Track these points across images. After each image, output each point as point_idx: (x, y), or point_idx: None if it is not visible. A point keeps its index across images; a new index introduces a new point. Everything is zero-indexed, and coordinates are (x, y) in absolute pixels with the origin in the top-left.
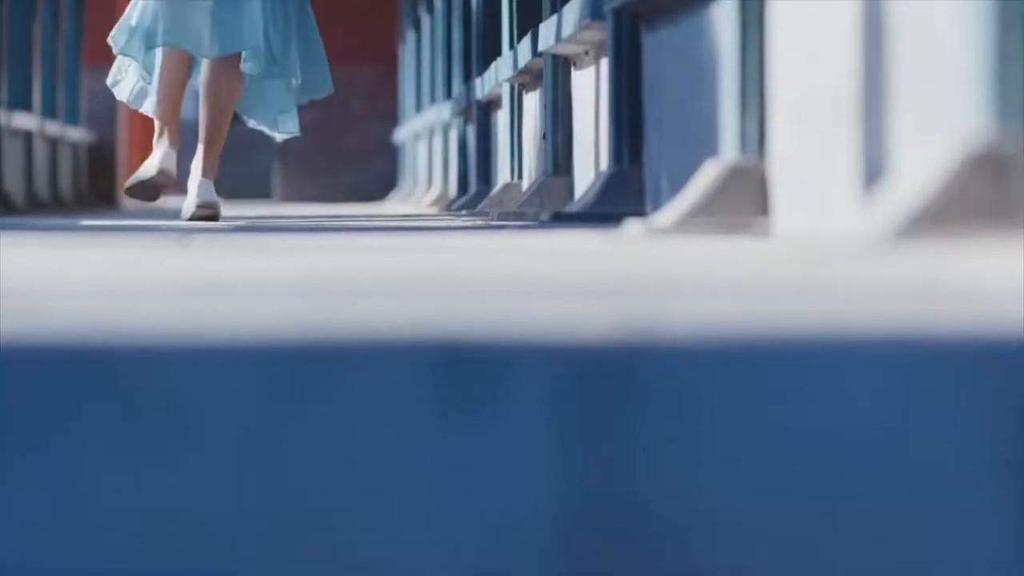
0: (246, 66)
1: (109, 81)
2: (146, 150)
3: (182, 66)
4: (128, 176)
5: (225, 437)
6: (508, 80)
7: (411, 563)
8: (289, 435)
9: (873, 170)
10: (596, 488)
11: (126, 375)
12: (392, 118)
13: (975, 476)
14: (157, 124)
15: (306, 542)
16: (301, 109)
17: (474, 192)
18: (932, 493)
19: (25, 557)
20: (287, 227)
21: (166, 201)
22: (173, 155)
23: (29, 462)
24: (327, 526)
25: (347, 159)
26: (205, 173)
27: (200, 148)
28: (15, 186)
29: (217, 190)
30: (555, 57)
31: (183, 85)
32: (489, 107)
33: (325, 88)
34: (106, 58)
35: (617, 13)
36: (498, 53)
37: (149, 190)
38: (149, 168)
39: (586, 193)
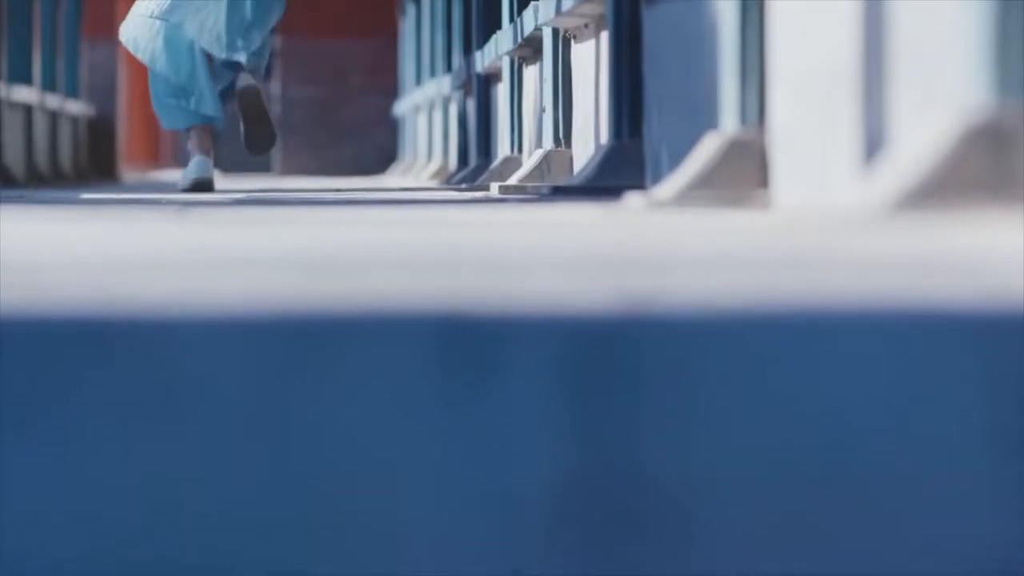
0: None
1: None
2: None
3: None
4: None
5: (225, 408)
6: (508, 53)
7: (412, 533)
8: (290, 406)
9: (873, 142)
10: (597, 458)
11: (126, 347)
12: (392, 91)
13: (974, 447)
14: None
15: (307, 512)
16: (301, 81)
17: (474, 165)
18: (931, 463)
19: (26, 529)
20: (287, 200)
21: (166, 175)
22: (206, 162)
23: (29, 434)
24: (328, 497)
25: (347, 132)
26: (202, 151)
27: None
28: (15, 159)
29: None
30: (555, 30)
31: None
32: (489, 80)
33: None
34: (106, 31)
35: None
36: (498, 26)
37: (202, 186)
38: (187, 178)
39: (586, 166)
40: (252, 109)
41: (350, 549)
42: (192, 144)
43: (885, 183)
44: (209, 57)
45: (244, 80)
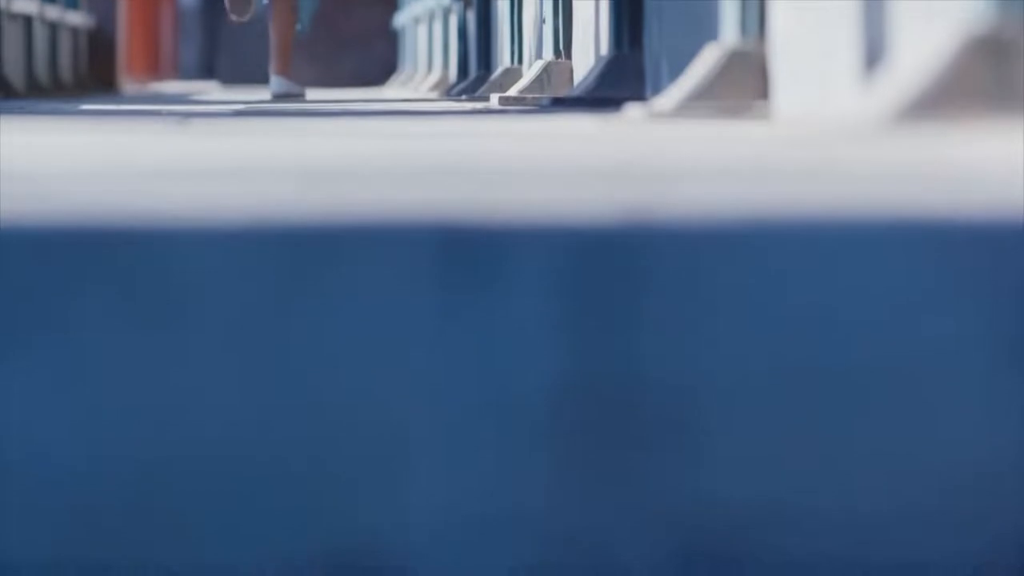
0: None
1: None
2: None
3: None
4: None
5: (223, 317)
6: None
7: (413, 441)
8: (289, 316)
9: (873, 53)
10: (596, 367)
11: (126, 256)
12: (392, 2)
13: (974, 355)
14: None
15: (306, 421)
16: None
17: (474, 77)
18: (931, 371)
19: (27, 434)
20: (287, 111)
21: (167, 87)
22: (283, 81)
23: (30, 342)
24: (327, 406)
25: (347, 44)
26: (276, 71)
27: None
28: (15, 71)
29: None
30: None
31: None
32: None
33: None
34: None
35: None
36: None
37: (294, 98)
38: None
39: (586, 78)
40: None
41: (352, 457)
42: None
43: (885, 94)
44: None
45: None
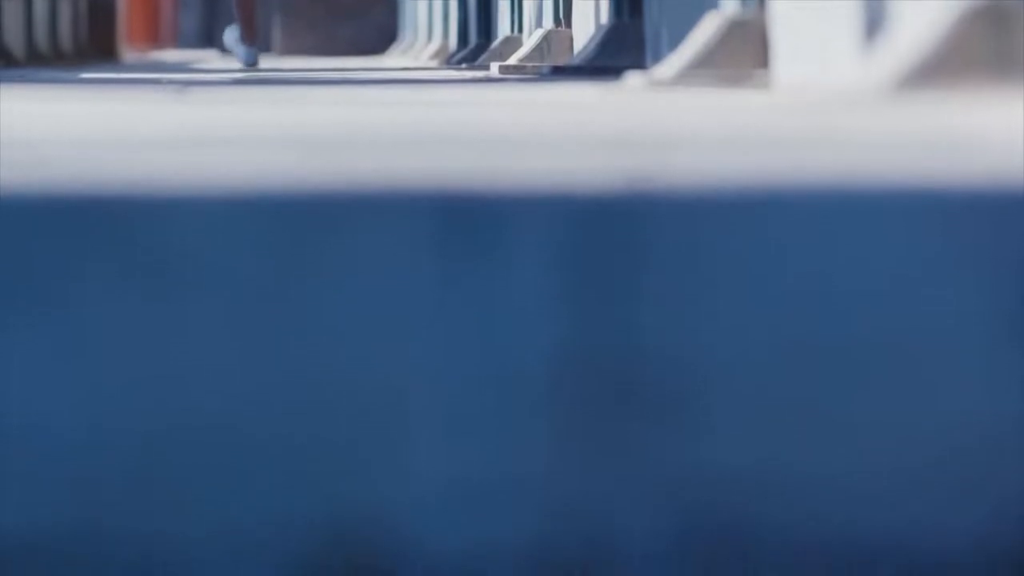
0: None
1: None
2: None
3: None
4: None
5: (223, 286)
6: None
7: (414, 411)
8: (289, 285)
9: (874, 22)
10: (596, 336)
11: (125, 224)
12: None
13: (974, 323)
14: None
15: (307, 391)
16: None
17: (474, 45)
18: (931, 340)
19: (26, 404)
20: (287, 79)
21: (166, 55)
22: (253, 51)
23: (29, 310)
24: (327, 376)
25: (347, 12)
26: (244, 40)
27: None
28: (15, 39)
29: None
30: None
31: None
32: None
33: None
34: None
35: None
36: None
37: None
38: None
39: (586, 46)
40: None
41: (353, 428)
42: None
43: (886, 63)
44: None
45: None
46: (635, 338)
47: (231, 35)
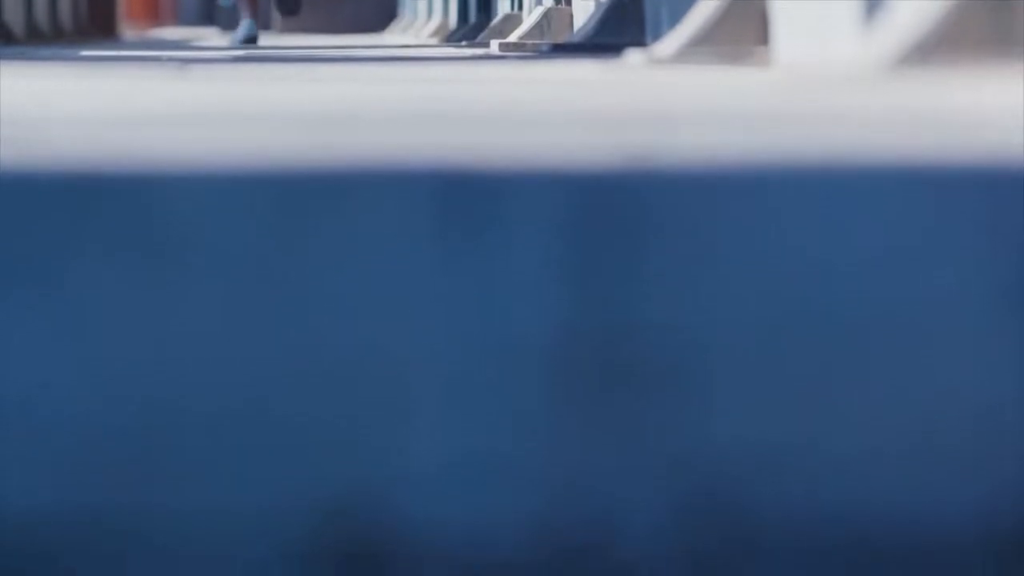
0: None
1: None
2: None
3: None
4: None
5: (224, 263)
6: None
7: (414, 386)
8: (289, 261)
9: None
10: (597, 312)
11: (126, 202)
12: None
13: (974, 299)
14: None
15: (306, 367)
16: None
17: (474, 23)
18: (932, 315)
19: (26, 379)
20: (287, 57)
21: (166, 33)
22: (252, 24)
23: (29, 287)
24: (327, 352)
25: None
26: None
27: None
28: (15, 17)
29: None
30: None
31: None
32: None
33: None
34: None
35: None
36: None
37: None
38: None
39: (586, 24)
40: None
41: (353, 403)
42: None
43: (885, 40)
44: None
45: None
46: (636, 314)
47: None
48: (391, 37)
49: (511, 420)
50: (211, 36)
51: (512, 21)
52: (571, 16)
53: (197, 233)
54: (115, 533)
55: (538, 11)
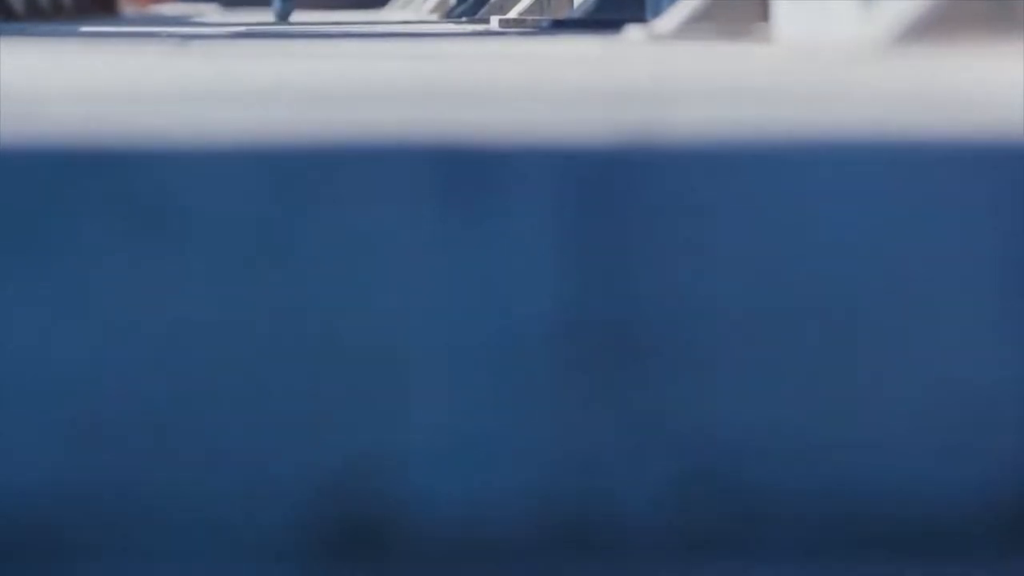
0: None
1: None
2: None
3: None
4: None
5: (224, 239)
6: None
7: (413, 364)
8: (288, 239)
9: None
10: (598, 289)
11: (125, 178)
12: None
13: (975, 277)
14: None
15: (305, 344)
16: None
17: None
18: (932, 295)
19: (23, 353)
20: (286, 33)
21: (166, 9)
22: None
23: (28, 263)
24: (327, 329)
25: None
26: None
27: None
28: None
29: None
30: None
31: None
32: None
33: None
34: None
35: None
36: None
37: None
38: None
39: (586, 0)
40: None
41: (352, 381)
42: None
43: (886, 17)
44: None
45: None
46: (634, 291)
47: None
48: (391, 13)
49: (511, 396)
50: (211, 13)
51: None
52: None
53: (197, 209)
54: (115, 507)
55: None
